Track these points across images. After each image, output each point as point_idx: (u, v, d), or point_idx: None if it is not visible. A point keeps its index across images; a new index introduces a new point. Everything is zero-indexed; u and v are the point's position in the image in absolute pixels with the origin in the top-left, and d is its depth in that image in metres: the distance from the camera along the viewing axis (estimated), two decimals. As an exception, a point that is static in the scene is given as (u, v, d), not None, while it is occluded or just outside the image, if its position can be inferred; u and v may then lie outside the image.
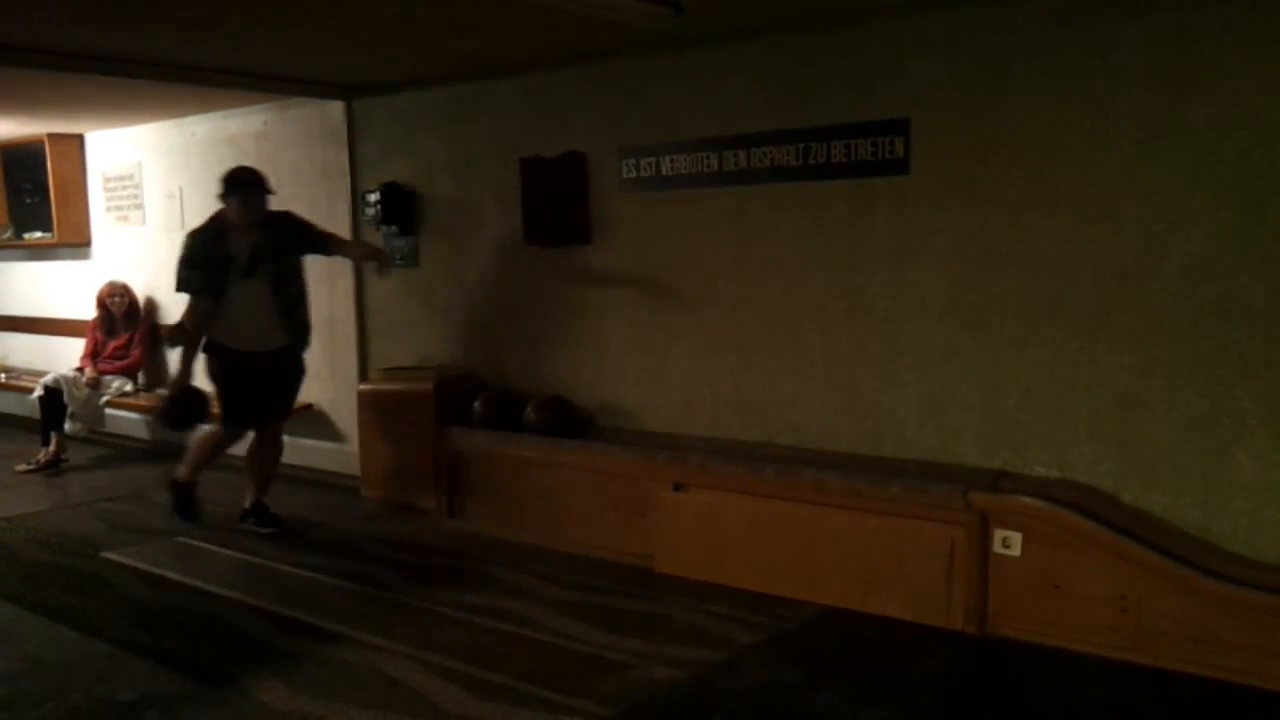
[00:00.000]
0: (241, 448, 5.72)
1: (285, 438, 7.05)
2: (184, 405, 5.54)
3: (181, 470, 5.71)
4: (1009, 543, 3.94)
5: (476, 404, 5.57)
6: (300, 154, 6.75)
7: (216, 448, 5.68)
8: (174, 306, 7.69)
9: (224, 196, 5.33)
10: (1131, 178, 3.87)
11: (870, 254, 4.52)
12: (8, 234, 8.61)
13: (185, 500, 5.68)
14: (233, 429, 5.62)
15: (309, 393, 6.80)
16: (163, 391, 6.50)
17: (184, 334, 5.48)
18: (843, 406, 4.68)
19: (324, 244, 5.65)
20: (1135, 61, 3.81)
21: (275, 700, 3.51)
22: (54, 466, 7.13)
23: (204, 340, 5.41)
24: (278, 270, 5.39)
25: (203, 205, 7.34)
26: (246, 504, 5.66)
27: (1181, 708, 3.45)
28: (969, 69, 4.18)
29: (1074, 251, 4.02)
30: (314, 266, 6.77)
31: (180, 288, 5.40)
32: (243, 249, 5.29)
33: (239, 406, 5.50)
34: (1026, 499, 3.91)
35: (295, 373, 5.68)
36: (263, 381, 5.48)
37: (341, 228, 6.53)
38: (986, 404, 4.29)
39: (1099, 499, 3.97)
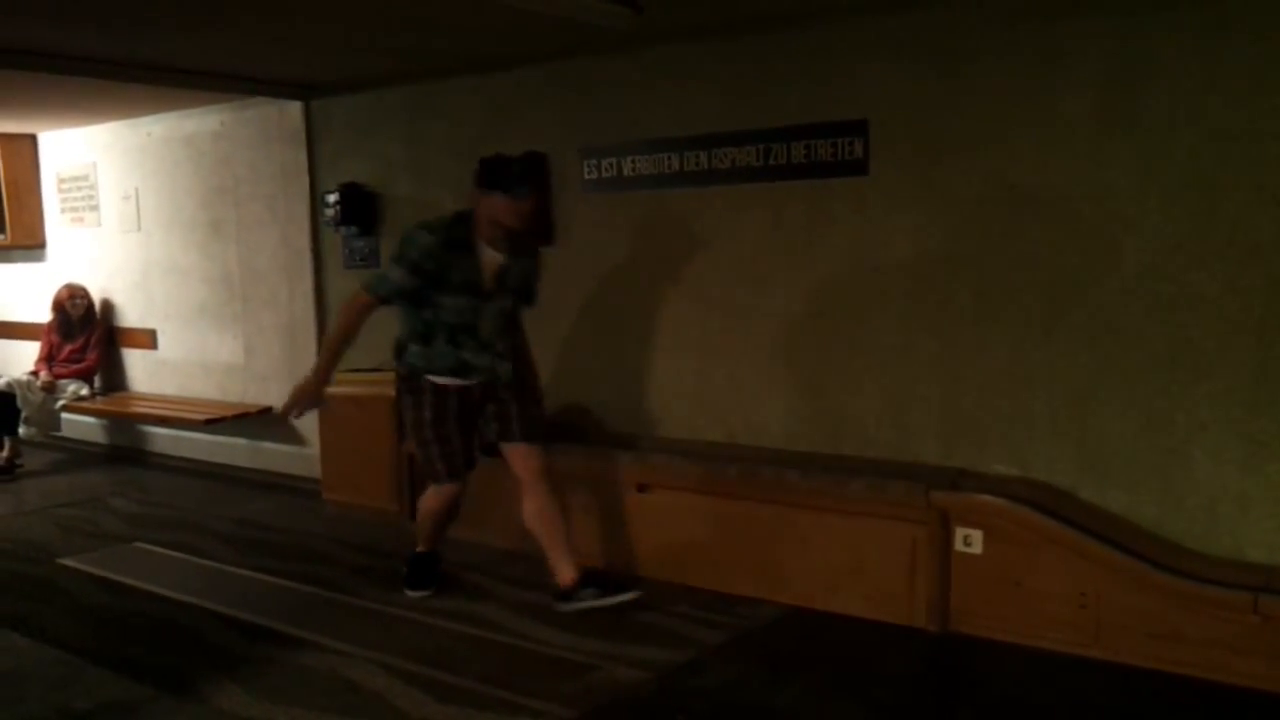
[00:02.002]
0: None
1: (243, 440, 7.03)
2: None
3: (419, 544, 4.63)
4: (970, 541, 3.97)
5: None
6: (258, 154, 6.69)
7: (450, 511, 4.50)
8: (130, 307, 7.63)
9: (481, 189, 4.02)
10: (1086, 178, 3.91)
11: (831, 254, 4.54)
12: (-41, 236, 8.48)
13: (421, 571, 4.59)
14: (455, 480, 4.37)
15: (268, 395, 6.76)
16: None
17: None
18: (804, 406, 4.69)
19: (531, 297, 4.45)
20: (1088, 63, 3.86)
21: (234, 706, 3.47)
22: (8, 472, 7.02)
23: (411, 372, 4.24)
24: (513, 304, 4.32)
25: (159, 206, 7.29)
26: (567, 579, 4.24)
27: (1140, 702, 3.49)
28: (926, 70, 4.21)
29: (1030, 251, 4.06)
30: (272, 263, 6.74)
31: (379, 288, 4.12)
32: (490, 266, 4.12)
33: (456, 451, 4.31)
34: (987, 497, 3.94)
35: (522, 389, 4.40)
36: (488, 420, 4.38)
37: (300, 229, 6.50)
38: (946, 403, 4.32)
39: (1058, 496, 4.01)
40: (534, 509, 4.33)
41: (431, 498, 4.44)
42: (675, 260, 5.00)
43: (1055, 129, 3.95)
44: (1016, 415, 4.15)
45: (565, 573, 4.23)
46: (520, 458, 4.36)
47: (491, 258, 4.11)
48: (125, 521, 5.87)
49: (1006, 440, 4.19)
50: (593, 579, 4.23)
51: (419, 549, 4.60)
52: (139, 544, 5.41)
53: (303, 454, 6.62)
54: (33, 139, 8.08)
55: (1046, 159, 3.98)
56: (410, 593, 4.51)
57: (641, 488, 4.73)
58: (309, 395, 4.24)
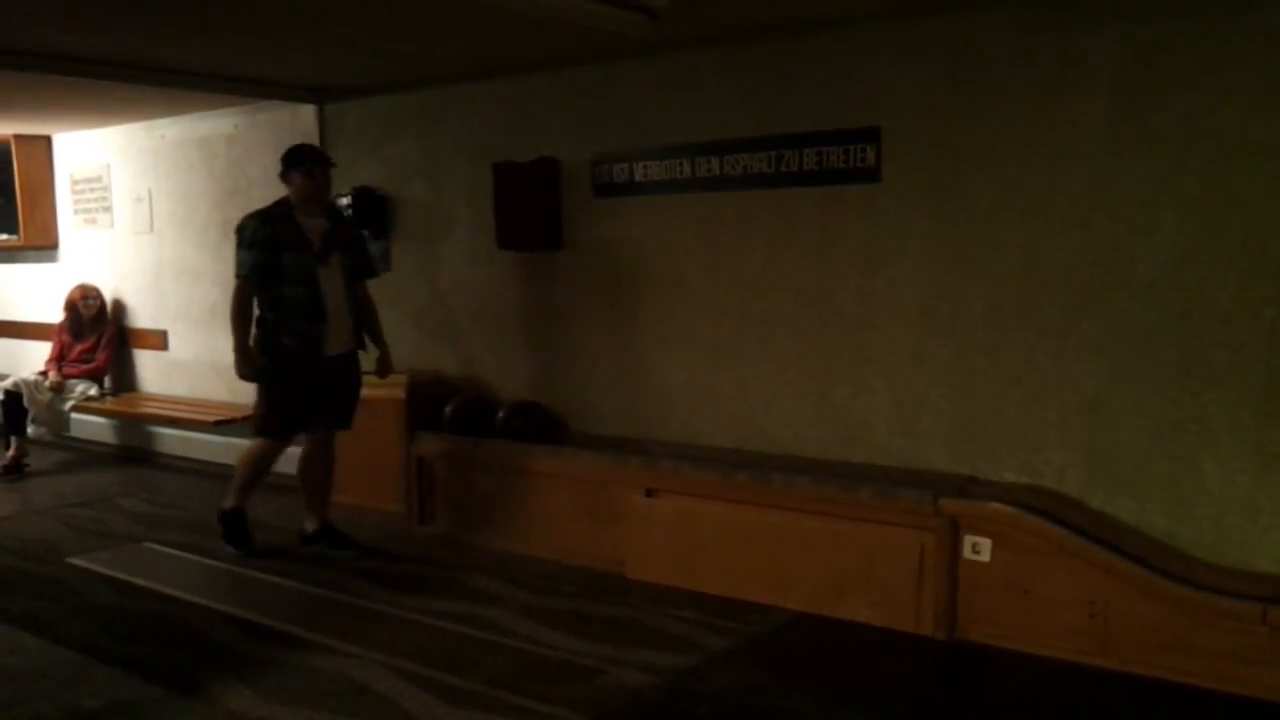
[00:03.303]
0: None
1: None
2: None
3: (229, 498, 5.24)
4: (979, 548, 3.96)
5: (448, 409, 5.55)
6: (271, 158, 6.63)
7: (262, 465, 5.20)
8: (141, 308, 7.66)
9: (285, 174, 4.96)
10: (1100, 187, 3.91)
11: (841, 261, 4.55)
12: (-28, 236, 8.52)
13: (235, 528, 5.21)
14: (280, 440, 5.15)
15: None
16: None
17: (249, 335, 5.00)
18: (814, 412, 4.70)
19: (370, 269, 5.30)
20: (1103, 72, 3.86)
21: (243, 707, 3.48)
22: (15, 471, 7.04)
23: (257, 336, 4.97)
24: (351, 262, 5.07)
25: (171, 208, 7.31)
26: (311, 527, 5.27)
27: (1149, 712, 3.48)
28: (940, 78, 4.21)
29: (1043, 259, 4.06)
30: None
31: (241, 270, 4.90)
32: (314, 231, 4.92)
33: (292, 414, 5.04)
34: (996, 505, 3.94)
35: (358, 380, 5.24)
36: (326, 387, 5.05)
37: (312, 231, 6.50)
38: (956, 410, 4.32)
39: (1067, 505, 4.00)
40: (322, 470, 5.32)
41: (258, 448, 5.23)
42: (686, 266, 5.01)
43: (1069, 138, 3.95)
44: (1027, 423, 4.15)
45: (311, 524, 5.29)
46: (330, 439, 5.29)
47: (312, 223, 4.93)
48: (134, 521, 5.88)
49: (1017, 448, 4.19)
50: (327, 534, 5.25)
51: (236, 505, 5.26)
52: (148, 544, 5.43)
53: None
54: (47, 140, 8.12)
55: (1060, 167, 3.98)
56: (233, 550, 5.18)
57: (649, 492, 4.74)
58: (243, 367, 4.99)
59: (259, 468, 5.19)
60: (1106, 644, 3.73)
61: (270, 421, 5.05)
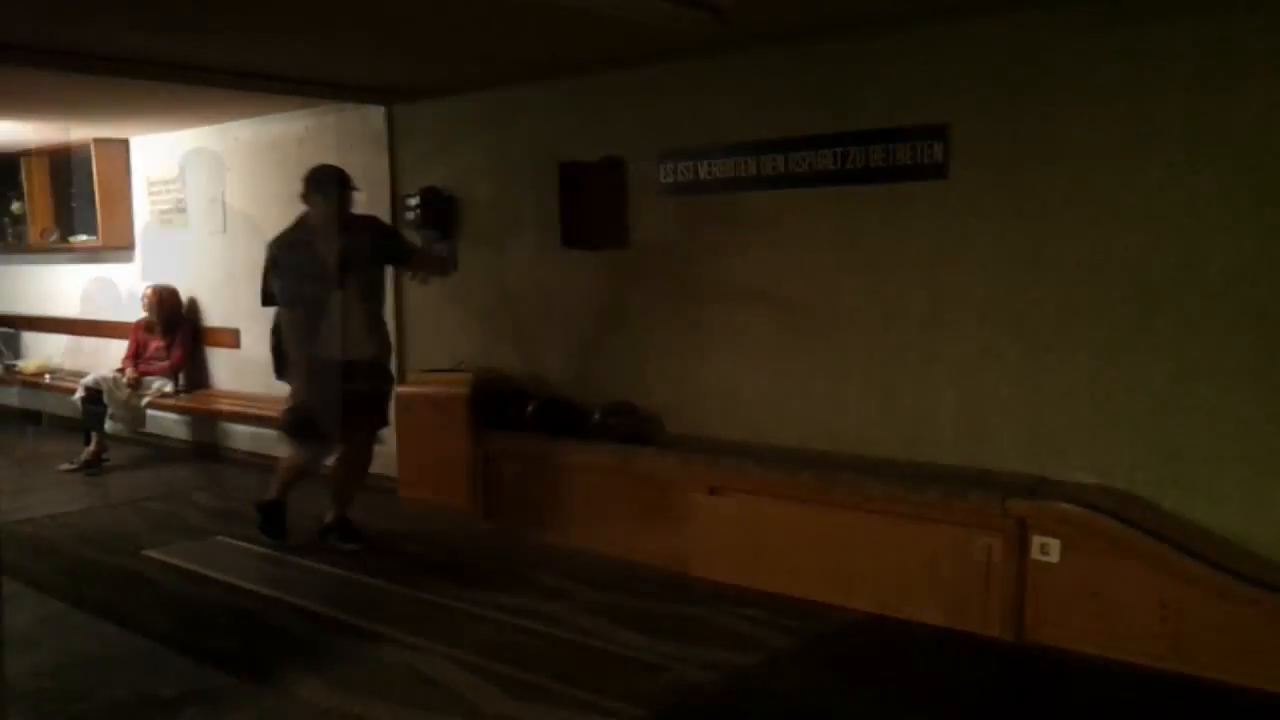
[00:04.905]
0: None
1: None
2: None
3: (269, 491, 5.47)
4: (1047, 549, 3.91)
5: (530, 408, 5.56)
6: (341, 158, 6.77)
7: (298, 467, 5.40)
8: (214, 307, 7.82)
9: (307, 196, 5.04)
10: (1174, 182, 3.84)
11: (908, 259, 4.51)
12: (54, 237, 8.76)
13: (271, 517, 5.44)
14: (315, 446, 5.28)
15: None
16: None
17: (279, 349, 5.21)
18: (880, 411, 4.66)
19: (409, 255, 5.51)
20: (1178, 66, 3.79)
21: (314, 697, 3.55)
22: (95, 466, 7.23)
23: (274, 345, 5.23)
24: (368, 279, 5.19)
25: (245, 208, 7.45)
26: (328, 519, 5.42)
27: (1221, 717, 3.41)
28: (1010, 74, 4.17)
29: (1115, 256, 3.99)
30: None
31: (266, 301, 5.15)
32: (330, 255, 5.00)
33: (322, 420, 5.11)
34: (1065, 505, 3.88)
35: (386, 384, 5.44)
36: (351, 393, 5.11)
37: (381, 231, 6.59)
38: (1025, 410, 4.26)
39: (1139, 506, 3.93)
40: (354, 471, 5.40)
41: (297, 456, 5.43)
42: (751, 263, 5.00)
43: (1141, 133, 3.88)
44: (1098, 423, 4.09)
45: (331, 515, 5.37)
46: (369, 441, 5.39)
47: (328, 242, 5.00)
48: (207, 516, 6.01)
49: (1087, 448, 4.12)
50: (345, 528, 5.32)
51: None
52: (220, 538, 5.55)
53: (380, 452, 6.69)
54: (125, 144, 8.31)
55: (1132, 163, 3.92)
56: (273, 541, 5.38)
57: (713, 491, 4.73)
58: (307, 390, 5.15)
59: (294, 471, 5.40)
60: (1178, 647, 3.66)
61: (298, 427, 5.23)
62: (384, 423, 5.48)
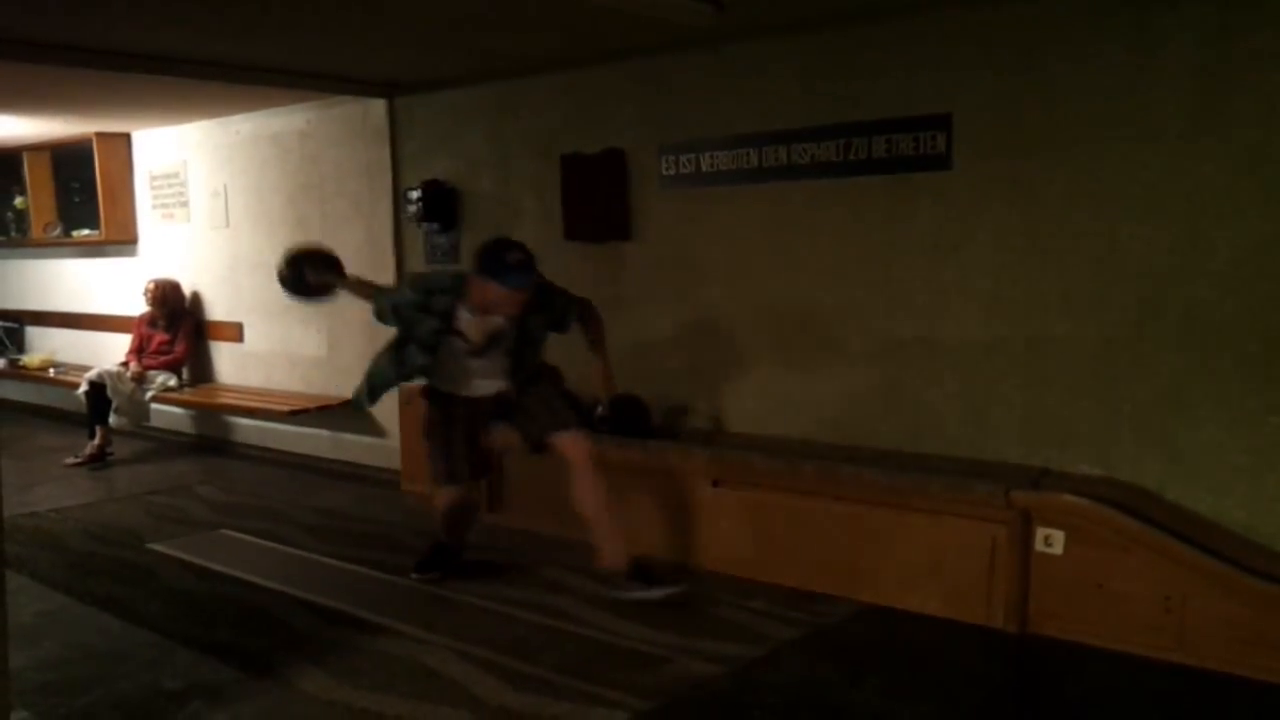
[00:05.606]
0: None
1: (326, 432, 7.15)
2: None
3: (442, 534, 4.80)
4: (1051, 541, 3.90)
5: None
6: (343, 152, 6.82)
7: (447, 513, 4.63)
8: (217, 302, 7.82)
9: (482, 274, 4.13)
10: (1178, 172, 3.82)
11: (911, 249, 4.50)
12: (56, 231, 8.76)
13: (431, 556, 4.78)
14: (449, 482, 4.52)
15: (350, 388, 6.87)
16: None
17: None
18: (883, 403, 4.66)
19: (565, 321, 4.52)
20: (1182, 55, 3.77)
21: (318, 690, 3.55)
22: (100, 460, 7.24)
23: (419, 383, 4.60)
24: (515, 351, 4.41)
25: (246, 203, 7.45)
26: (610, 562, 4.38)
27: (1226, 710, 3.41)
28: (1012, 63, 4.15)
29: (1119, 247, 3.98)
30: (356, 259, 6.85)
31: (381, 318, 4.49)
32: (478, 336, 4.30)
33: (455, 457, 4.48)
34: (1069, 497, 3.88)
35: (540, 394, 4.51)
36: (495, 419, 4.53)
37: (384, 225, 6.60)
38: (1029, 401, 4.26)
39: (1143, 497, 3.93)
40: (581, 492, 4.38)
41: (438, 498, 4.60)
42: (753, 256, 5.00)
43: (1146, 123, 3.87)
44: (1102, 414, 4.08)
45: (608, 557, 4.36)
46: (565, 445, 4.42)
47: (483, 322, 4.28)
48: (212, 509, 6.02)
49: (1091, 440, 4.12)
50: (640, 572, 4.33)
51: (442, 539, 4.79)
52: (225, 531, 5.55)
53: (383, 445, 6.73)
54: (127, 138, 8.31)
55: (1136, 153, 3.90)
56: (414, 575, 4.70)
57: (717, 483, 4.73)
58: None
59: (446, 517, 4.68)
60: (1183, 639, 3.66)
61: (438, 465, 4.53)
62: (568, 422, 4.47)
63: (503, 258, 4.12)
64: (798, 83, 4.76)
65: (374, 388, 4.49)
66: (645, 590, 4.29)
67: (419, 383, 4.66)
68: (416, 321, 4.30)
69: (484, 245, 4.23)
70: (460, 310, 4.26)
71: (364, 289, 4.79)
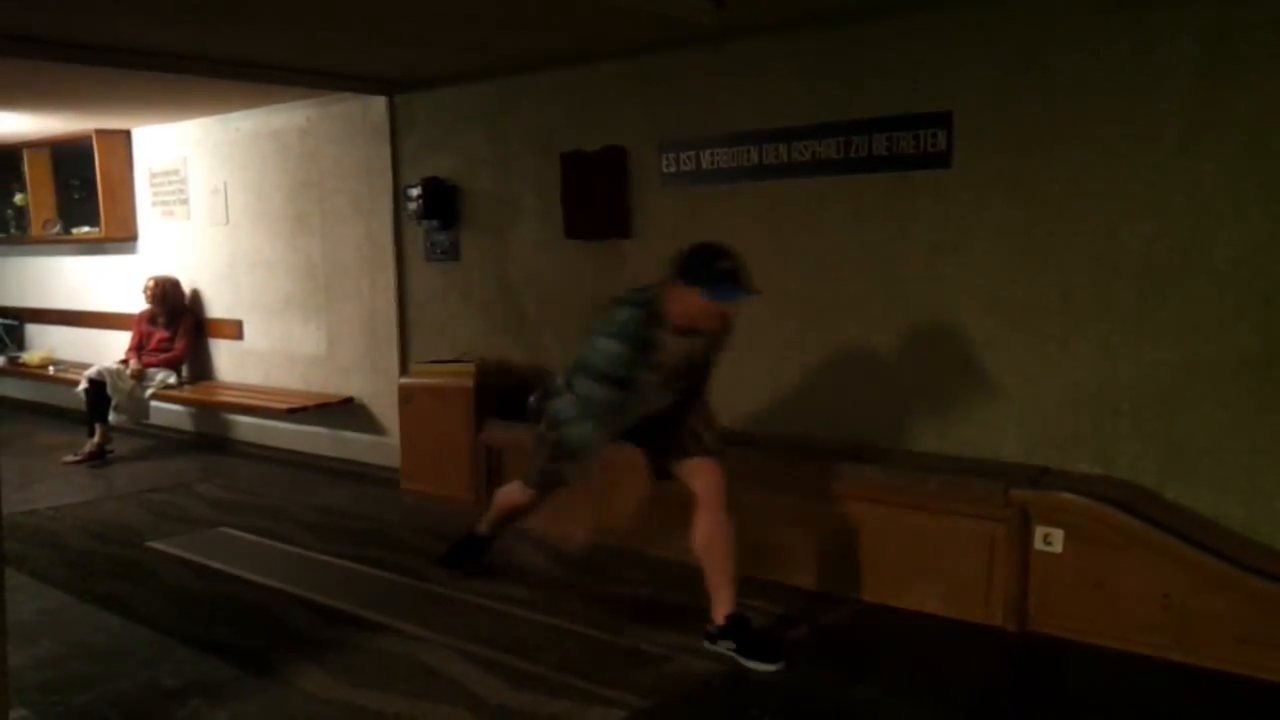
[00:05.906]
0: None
1: (325, 430, 7.15)
2: None
3: (482, 524, 4.64)
4: (1050, 539, 3.90)
5: (532, 399, 5.53)
6: (343, 149, 6.81)
7: (522, 509, 4.39)
8: (216, 299, 7.81)
9: (681, 278, 3.57)
10: (1177, 171, 3.82)
11: (911, 248, 4.50)
12: (56, 228, 8.76)
13: (469, 552, 4.68)
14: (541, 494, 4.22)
15: (349, 386, 6.89)
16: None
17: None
18: (882, 401, 4.66)
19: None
20: (1181, 54, 3.77)
21: (316, 688, 3.55)
22: (99, 458, 7.24)
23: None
24: (700, 372, 3.95)
25: (246, 200, 7.45)
26: (719, 617, 3.84)
27: (1225, 708, 3.41)
28: (1013, 62, 4.15)
29: (1118, 246, 3.98)
30: (356, 256, 6.86)
31: (610, 367, 3.63)
32: (674, 355, 3.72)
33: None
34: (1068, 495, 3.87)
35: (695, 411, 4.00)
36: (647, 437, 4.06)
37: (383, 222, 6.60)
38: (1028, 400, 4.26)
39: (1142, 496, 3.93)
40: (705, 536, 3.88)
41: (515, 494, 4.44)
42: (753, 253, 4.96)
43: (1146, 121, 3.87)
44: (1101, 413, 4.08)
45: (719, 610, 3.85)
46: (698, 472, 3.94)
47: (677, 344, 3.69)
48: (211, 507, 6.01)
49: (1090, 438, 4.12)
50: (736, 631, 3.81)
51: (482, 530, 4.65)
52: (224, 529, 5.55)
53: (382, 444, 6.72)
54: (126, 134, 8.31)
55: (1136, 151, 3.90)
56: (444, 568, 4.65)
57: (717, 481, 4.72)
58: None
59: (508, 511, 4.51)
60: (1181, 638, 3.65)
61: (546, 472, 4.15)
62: (709, 448, 3.99)
63: (712, 265, 3.56)
64: (798, 80, 4.75)
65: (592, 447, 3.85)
66: (734, 652, 3.75)
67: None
68: (641, 350, 3.64)
69: (689, 249, 3.62)
70: (661, 335, 3.64)
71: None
